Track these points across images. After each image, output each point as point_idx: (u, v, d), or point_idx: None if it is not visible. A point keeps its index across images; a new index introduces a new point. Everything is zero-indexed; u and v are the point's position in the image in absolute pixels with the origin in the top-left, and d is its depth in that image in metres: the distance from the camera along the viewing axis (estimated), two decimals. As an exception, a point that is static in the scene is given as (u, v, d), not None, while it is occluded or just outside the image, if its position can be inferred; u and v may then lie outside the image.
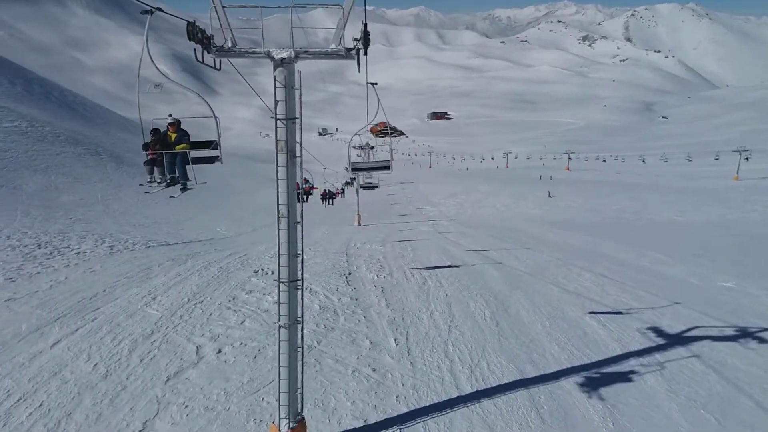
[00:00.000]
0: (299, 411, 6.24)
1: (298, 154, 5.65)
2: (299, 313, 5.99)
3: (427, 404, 7.47)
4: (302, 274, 5.91)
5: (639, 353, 9.04)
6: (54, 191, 27.71)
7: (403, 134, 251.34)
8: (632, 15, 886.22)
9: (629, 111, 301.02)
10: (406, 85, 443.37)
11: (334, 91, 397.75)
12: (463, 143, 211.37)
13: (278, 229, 5.65)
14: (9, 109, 40.98)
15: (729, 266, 16.58)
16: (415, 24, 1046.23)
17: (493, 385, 7.97)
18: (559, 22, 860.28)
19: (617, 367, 8.48)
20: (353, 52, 5.39)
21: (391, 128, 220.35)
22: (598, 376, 8.19)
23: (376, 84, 17.94)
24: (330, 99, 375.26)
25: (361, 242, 20.60)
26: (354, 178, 37.12)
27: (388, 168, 21.83)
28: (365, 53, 5.43)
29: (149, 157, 8.61)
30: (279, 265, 5.76)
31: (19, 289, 11.54)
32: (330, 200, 49.75)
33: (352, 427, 6.97)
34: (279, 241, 5.68)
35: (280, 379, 5.96)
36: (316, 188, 45.62)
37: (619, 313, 11.20)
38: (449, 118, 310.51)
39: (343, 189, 60.10)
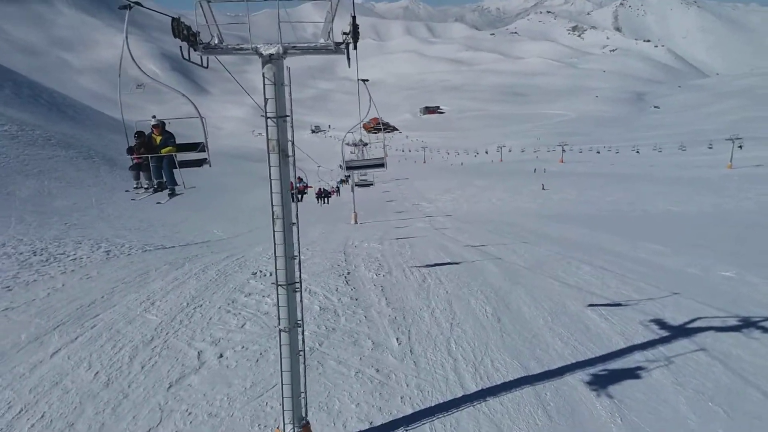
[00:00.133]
0: (304, 415, 6.17)
1: (290, 152, 5.55)
2: (299, 316, 5.92)
3: (433, 404, 7.44)
4: (300, 276, 5.84)
5: (643, 346, 9.03)
6: (47, 196, 27.50)
7: (397, 130, 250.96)
8: (621, 4, 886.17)
9: (621, 101, 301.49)
10: (397, 79, 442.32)
11: (324, 88, 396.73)
12: (457, 138, 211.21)
13: (273, 231, 5.57)
14: (-2, 113, 40.64)
15: (727, 256, 16.59)
16: (404, 17, 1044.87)
17: (498, 382, 7.94)
18: (548, 12, 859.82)
19: (622, 361, 8.47)
20: (342, 46, 5.30)
21: (384, 124, 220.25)
22: (604, 371, 8.17)
23: (367, 80, 17.91)
24: (321, 96, 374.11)
25: (358, 240, 20.53)
26: (349, 176, 37.02)
27: (382, 165, 21.81)
28: (354, 47, 5.33)
29: (134, 161, 8.30)
30: (276, 268, 5.68)
31: (16, 298, 11.44)
32: (325, 199, 49.62)
33: (357, 430, 6.92)
34: (275, 244, 5.60)
35: (282, 384, 5.89)
36: (311, 187, 45.50)
37: (621, 305, 11.19)
38: (442, 113, 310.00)
39: (338, 187, 59.97)
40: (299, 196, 34.59)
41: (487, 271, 14.46)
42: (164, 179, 8.12)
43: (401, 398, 7.57)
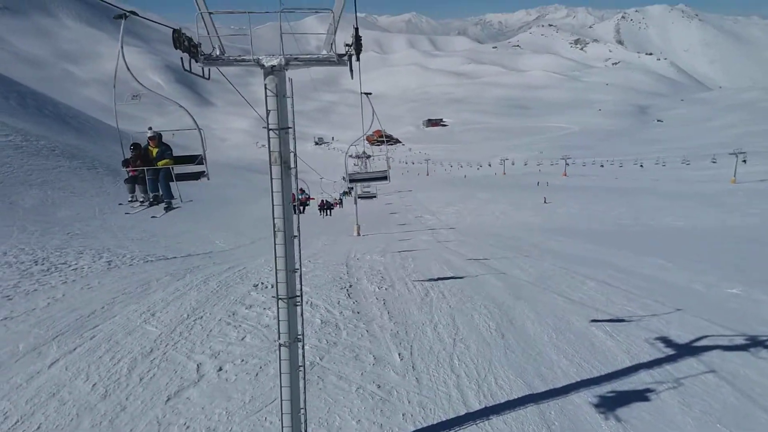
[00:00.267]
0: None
1: (292, 164, 5.49)
2: (300, 331, 5.82)
3: (435, 422, 7.30)
4: (301, 289, 5.75)
5: (649, 365, 8.88)
6: (51, 206, 27.52)
7: (399, 142, 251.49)
8: (623, 17, 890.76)
9: (624, 114, 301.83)
10: (400, 92, 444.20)
11: (328, 100, 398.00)
12: (459, 150, 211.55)
13: (275, 244, 5.49)
14: (3, 123, 40.84)
15: (732, 272, 16.44)
16: (407, 30, 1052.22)
17: (502, 400, 7.80)
18: (551, 26, 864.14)
19: (627, 380, 8.32)
20: (345, 58, 5.26)
21: (387, 136, 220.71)
22: (609, 390, 8.02)
23: (370, 94, 17.94)
24: (324, 108, 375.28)
25: (361, 253, 20.45)
26: (352, 188, 37.01)
27: (385, 179, 21.77)
28: (357, 59, 5.30)
29: (130, 174, 8.08)
30: (277, 281, 5.60)
31: (16, 308, 11.36)
32: (328, 211, 49.54)
33: (358, 448, 6.80)
34: (276, 257, 5.52)
35: (282, 400, 5.79)
36: (313, 199, 45.43)
37: (626, 322, 11.05)
38: (445, 125, 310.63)
39: (341, 199, 59.92)
40: (301, 208, 34.51)
41: (491, 286, 14.34)
42: (160, 192, 7.92)
43: (403, 415, 7.43)
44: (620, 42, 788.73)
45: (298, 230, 5.58)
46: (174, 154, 8.12)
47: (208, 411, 7.54)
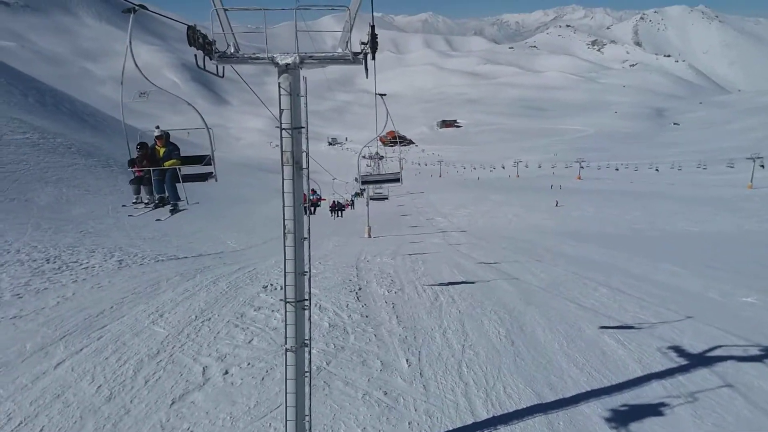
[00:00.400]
0: (308, 439, 5.97)
1: (304, 165, 5.39)
2: (307, 335, 5.72)
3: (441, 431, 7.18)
4: (310, 291, 5.64)
5: (661, 375, 8.68)
6: (65, 204, 27.76)
7: (413, 143, 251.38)
8: (641, 18, 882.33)
9: (640, 117, 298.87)
10: (415, 92, 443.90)
11: (343, 100, 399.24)
12: (473, 152, 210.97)
13: (284, 246, 5.39)
14: (21, 120, 41.31)
15: (749, 280, 16.12)
16: (423, 30, 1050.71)
17: (510, 410, 7.64)
18: (568, 26, 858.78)
19: (639, 391, 8.13)
20: (360, 56, 5.15)
21: (401, 137, 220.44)
22: (620, 401, 7.83)
23: (385, 95, 17.85)
24: (339, 108, 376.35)
25: (371, 255, 20.36)
26: (364, 190, 36.96)
27: (398, 180, 21.69)
28: (373, 57, 5.18)
29: (136, 174, 7.87)
30: (285, 284, 5.50)
31: (25, 306, 11.39)
32: (339, 212, 49.53)
33: (363, 456, 6.69)
34: (285, 259, 5.41)
35: (287, 406, 5.69)
36: (324, 199, 45.46)
37: (638, 330, 10.84)
38: (459, 126, 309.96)
39: (352, 200, 59.93)
40: (312, 209, 34.53)
41: (502, 291, 14.17)
42: (166, 194, 7.75)
43: (409, 424, 7.31)
44: (638, 43, 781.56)
45: (309, 232, 5.47)
46: (182, 154, 7.95)
47: (213, 416, 7.47)
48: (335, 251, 22.57)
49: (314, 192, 34.40)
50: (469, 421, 7.38)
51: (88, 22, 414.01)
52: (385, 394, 8.11)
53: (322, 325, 11.04)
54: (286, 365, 5.62)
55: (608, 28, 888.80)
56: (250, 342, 10.03)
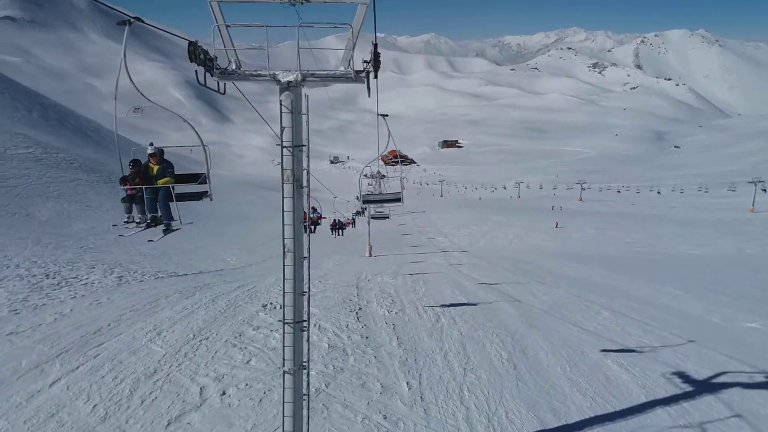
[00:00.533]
0: (305, 464, 5.82)
1: (305, 183, 5.33)
2: (305, 357, 5.60)
3: (442, 457, 7.03)
4: (308, 314, 5.53)
5: (665, 401, 8.53)
6: (66, 219, 27.74)
7: (414, 162, 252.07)
8: (642, 42, 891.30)
9: (641, 140, 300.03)
10: (417, 113, 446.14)
11: (345, 119, 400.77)
12: (474, 172, 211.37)
13: (283, 265, 5.31)
14: (24, 135, 41.53)
15: (751, 304, 16.00)
16: (426, 51, 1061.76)
17: (512, 436, 7.50)
18: (569, 49, 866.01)
19: (643, 418, 7.97)
20: (363, 74, 5.13)
21: (402, 156, 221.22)
22: (624, 428, 7.67)
23: (387, 116, 17.92)
24: (341, 127, 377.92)
25: (372, 274, 20.25)
26: (365, 209, 36.96)
27: (399, 200, 21.67)
28: (375, 76, 5.15)
29: (128, 192, 7.58)
30: (284, 305, 5.40)
31: (22, 322, 11.28)
32: (340, 230, 49.41)
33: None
34: (284, 278, 5.33)
35: (284, 430, 5.57)
36: (325, 218, 45.35)
37: (642, 354, 10.70)
38: (460, 147, 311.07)
39: (354, 219, 59.83)
40: (312, 228, 34.42)
41: (503, 313, 14.03)
42: (159, 213, 7.47)
43: (409, 449, 7.17)
44: (639, 66, 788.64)
45: (308, 251, 5.40)
46: (184, 172, 7.76)
47: (209, 438, 7.33)
48: (336, 270, 22.45)
49: (314, 210, 34.37)
50: (471, 447, 7.23)
51: (93, 38, 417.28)
52: (385, 418, 7.96)
53: (322, 346, 10.90)
54: (283, 388, 5.50)
55: (609, 51, 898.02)
56: (248, 362, 9.90)
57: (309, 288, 5.47)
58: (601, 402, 8.52)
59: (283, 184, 5.18)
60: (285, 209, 5.19)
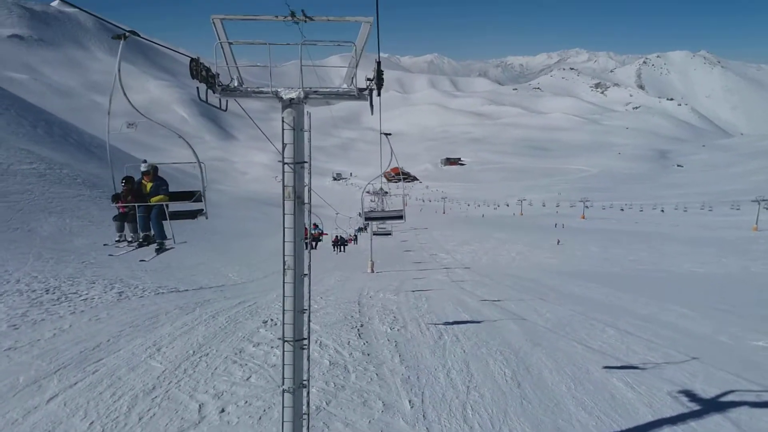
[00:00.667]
0: (305, 485, 5.68)
1: (306, 200, 5.28)
2: (305, 376, 5.49)
3: (445, 477, 6.87)
4: (309, 332, 5.44)
5: (672, 420, 8.36)
6: (68, 234, 27.71)
7: (417, 179, 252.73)
8: (644, 62, 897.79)
9: (643, 159, 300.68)
10: (419, 131, 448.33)
11: (348, 137, 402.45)
12: (477, 189, 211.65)
13: (283, 282, 5.23)
14: (28, 151, 41.70)
15: (758, 323, 15.82)
16: (429, 71, 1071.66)
17: (517, 456, 7.34)
18: (572, 69, 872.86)
19: (651, 438, 7.82)
20: (366, 92, 5.10)
21: (405, 173, 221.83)
22: (631, 449, 7.53)
23: (390, 134, 18.00)
24: (344, 144, 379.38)
25: (374, 291, 20.11)
26: (367, 225, 36.94)
27: (401, 218, 21.63)
28: (378, 94, 5.14)
29: (120, 210, 7.43)
30: (284, 323, 5.31)
31: (21, 337, 11.17)
32: (342, 247, 49.34)
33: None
34: (284, 296, 5.25)
35: (284, 450, 5.44)
36: (326, 234, 45.31)
37: (648, 372, 10.53)
38: (462, 164, 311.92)
39: (356, 235, 59.79)
40: (313, 244, 34.33)
41: (507, 330, 13.88)
42: (152, 232, 7.28)
43: (411, 468, 7.01)
44: (641, 87, 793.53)
45: (309, 268, 5.32)
46: (179, 189, 7.65)
47: (207, 456, 7.19)
48: (337, 286, 22.32)
49: (316, 226, 34.34)
50: (474, 468, 7.07)
51: (99, 56, 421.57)
52: (387, 436, 7.81)
53: (323, 363, 10.76)
54: (283, 407, 5.38)
55: (611, 71, 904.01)
56: (248, 379, 9.76)
57: (309, 305, 5.39)
58: (606, 421, 8.36)
59: (284, 200, 5.13)
60: (286, 226, 5.13)
